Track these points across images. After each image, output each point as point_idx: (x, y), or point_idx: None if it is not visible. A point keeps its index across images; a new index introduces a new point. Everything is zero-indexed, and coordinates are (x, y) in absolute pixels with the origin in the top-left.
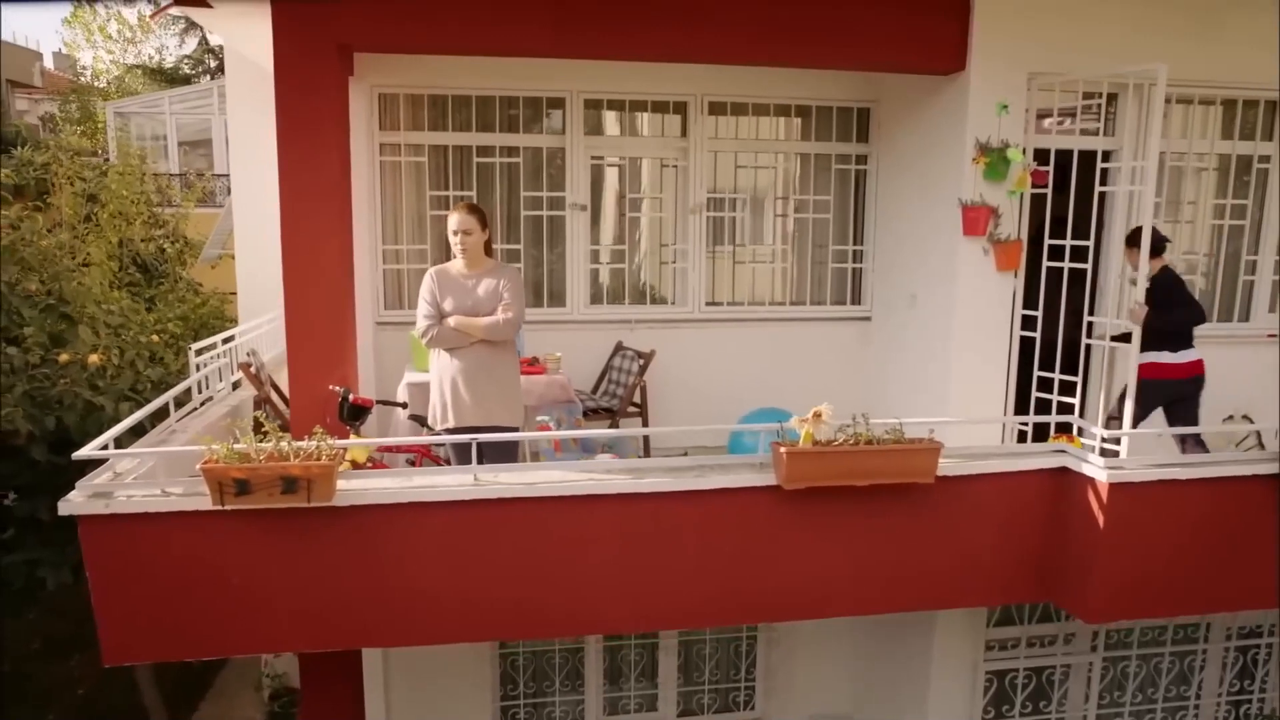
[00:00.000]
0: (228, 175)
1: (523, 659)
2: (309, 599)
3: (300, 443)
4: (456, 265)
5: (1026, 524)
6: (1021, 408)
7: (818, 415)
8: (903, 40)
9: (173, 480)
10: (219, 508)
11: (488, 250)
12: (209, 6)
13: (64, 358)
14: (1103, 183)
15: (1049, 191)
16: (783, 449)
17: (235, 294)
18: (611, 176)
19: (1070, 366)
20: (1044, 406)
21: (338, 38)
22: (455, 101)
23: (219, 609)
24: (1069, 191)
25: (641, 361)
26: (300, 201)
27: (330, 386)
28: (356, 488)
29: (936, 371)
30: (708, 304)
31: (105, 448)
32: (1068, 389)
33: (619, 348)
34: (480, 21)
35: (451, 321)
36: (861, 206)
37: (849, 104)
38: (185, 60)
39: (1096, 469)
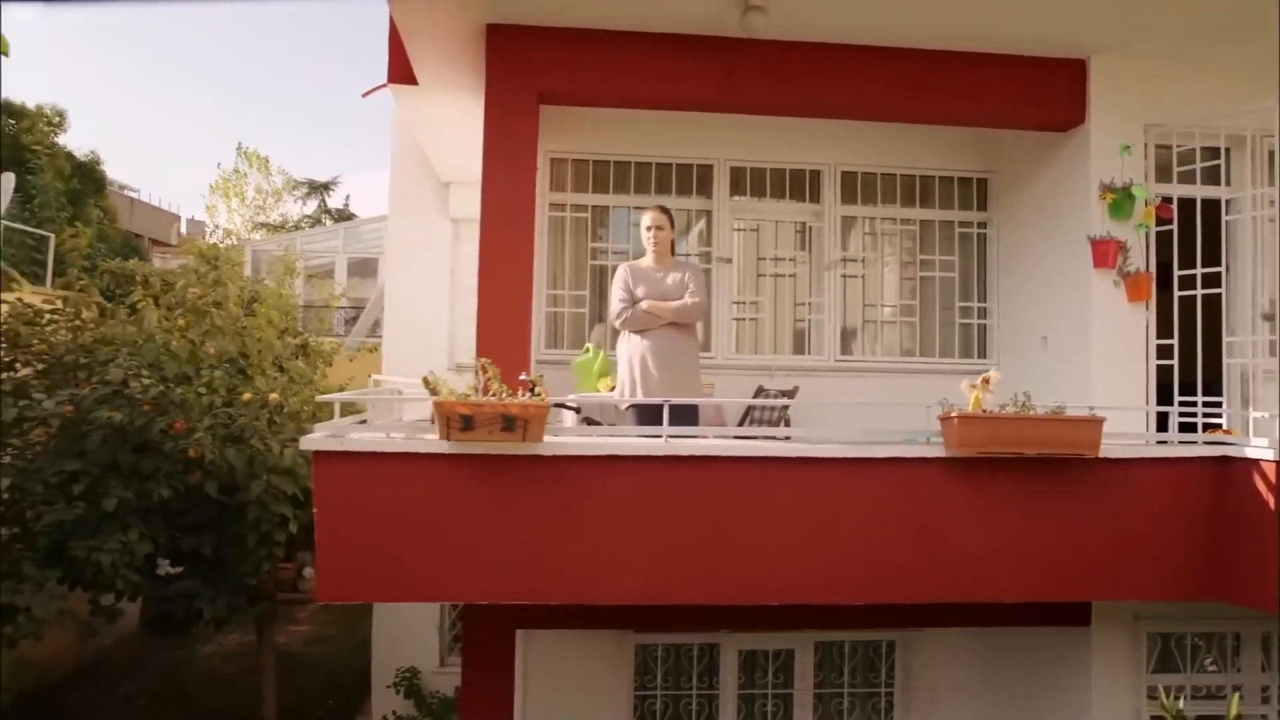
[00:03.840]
0: (345, 308)
1: (660, 701)
2: (509, 549)
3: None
4: (646, 261)
5: (1188, 514)
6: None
7: (986, 381)
8: (1025, 96)
9: (395, 426)
10: (444, 441)
11: (672, 249)
12: (414, 84)
13: (246, 396)
14: (1227, 213)
15: (1174, 226)
16: (954, 414)
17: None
18: (754, 236)
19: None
20: (1188, 428)
21: (538, 87)
22: (616, 166)
23: (427, 554)
24: (1194, 240)
25: (784, 397)
26: (497, 231)
27: (521, 375)
28: (559, 440)
29: (1077, 405)
30: (841, 355)
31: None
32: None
33: (759, 391)
34: (657, 75)
35: (644, 304)
36: (984, 266)
37: (969, 174)
38: (305, 219)
39: (1261, 449)
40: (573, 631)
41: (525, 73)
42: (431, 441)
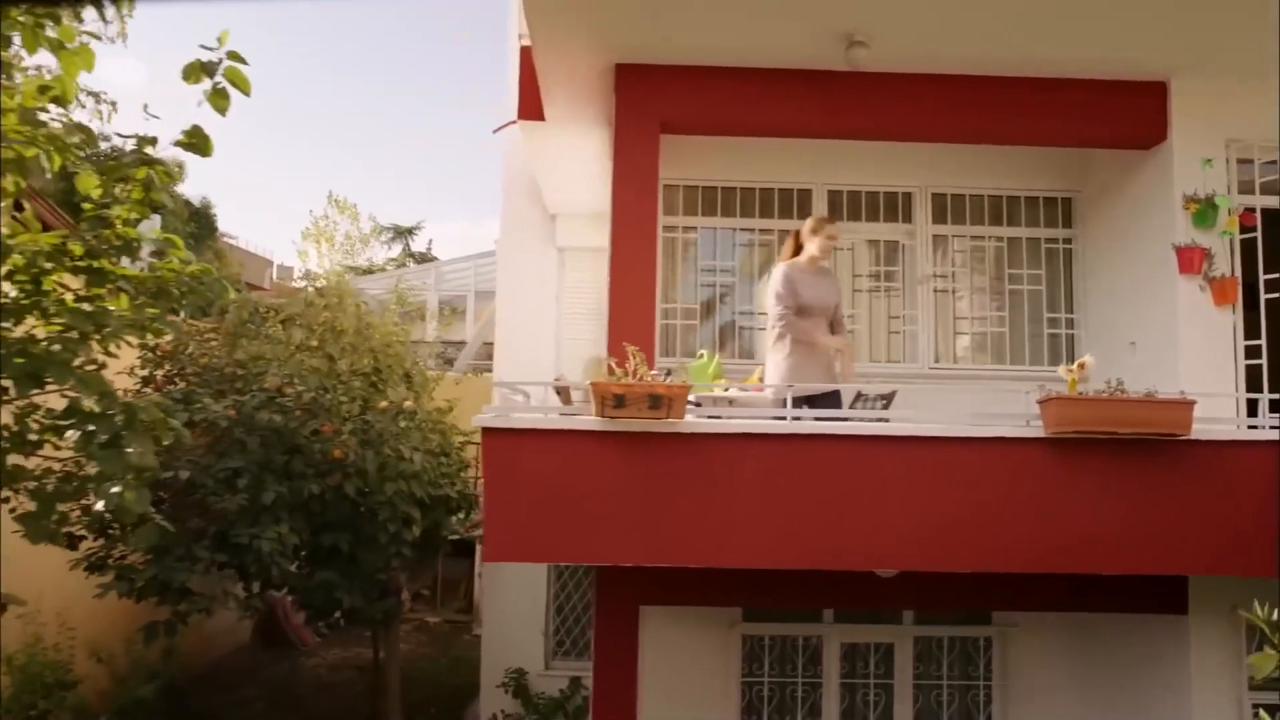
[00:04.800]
0: (432, 341)
1: (766, 688)
2: (649, 516)
3: None
4: (800, 262)
5: None
6: None
7: (1082, 365)
8: (1108, 117)
9: (551, 408)
10: (595, 419)
11: None
12: (541, 119)
13: (382, 405)
14: None
15: (1259, 234)
16: (1052, 396)
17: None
18: (849, 255)
19: None
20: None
21: (660, 118)
22: (723, 192)
23: (578, 520)
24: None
25: (883, 402)
26: (626, 247)
27: (653, 372)
28: (696, 419)
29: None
30: (933, 363)
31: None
32: None
33: (859, 396)
34: (766, 105)
35: (820, 338)
36: (1070, 278)
37: (1054, 194)
38: (390, 262)
39: None
40: (688, 618)
41: (650, 106)
42: (583, 419)
